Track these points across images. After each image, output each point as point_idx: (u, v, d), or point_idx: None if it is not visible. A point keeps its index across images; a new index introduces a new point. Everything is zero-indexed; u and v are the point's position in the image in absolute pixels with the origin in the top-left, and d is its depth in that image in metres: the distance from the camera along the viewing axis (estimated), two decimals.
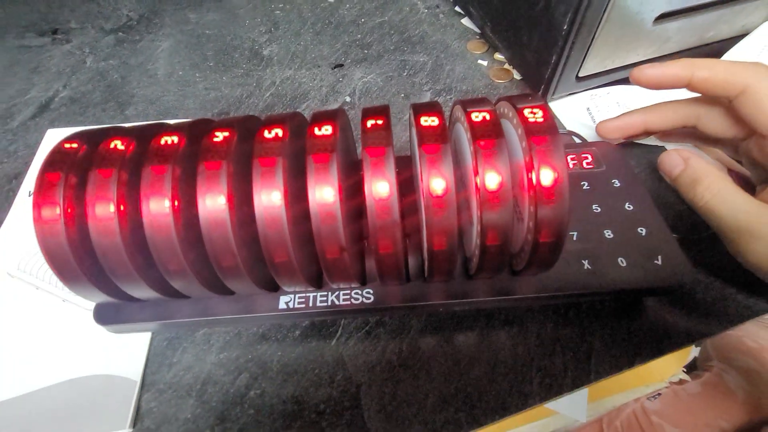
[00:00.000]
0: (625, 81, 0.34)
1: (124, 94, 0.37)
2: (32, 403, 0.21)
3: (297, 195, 0.17)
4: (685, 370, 0.39)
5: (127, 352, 0.22)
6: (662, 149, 0.30)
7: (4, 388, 0.21)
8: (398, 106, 0.35)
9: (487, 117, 0.18)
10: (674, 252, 0.21)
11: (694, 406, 0.43)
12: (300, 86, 0.37)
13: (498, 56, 0.38)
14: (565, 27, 0.27)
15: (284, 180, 0.17)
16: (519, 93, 0.19)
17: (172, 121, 0.23)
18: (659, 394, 0.44)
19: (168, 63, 0.40)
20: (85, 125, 0.35)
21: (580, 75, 0.31)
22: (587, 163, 0.25)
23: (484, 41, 0.39)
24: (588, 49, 0.29)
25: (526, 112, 0.18)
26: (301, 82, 0.37)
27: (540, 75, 0.31)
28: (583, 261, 0.21)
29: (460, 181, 0.19)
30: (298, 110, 0.24)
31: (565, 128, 0.32)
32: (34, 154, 0.32)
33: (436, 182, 0.17)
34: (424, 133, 0.17)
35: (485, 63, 0.38)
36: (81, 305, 0.24)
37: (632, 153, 0.30)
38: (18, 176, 0.31)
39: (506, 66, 0.37)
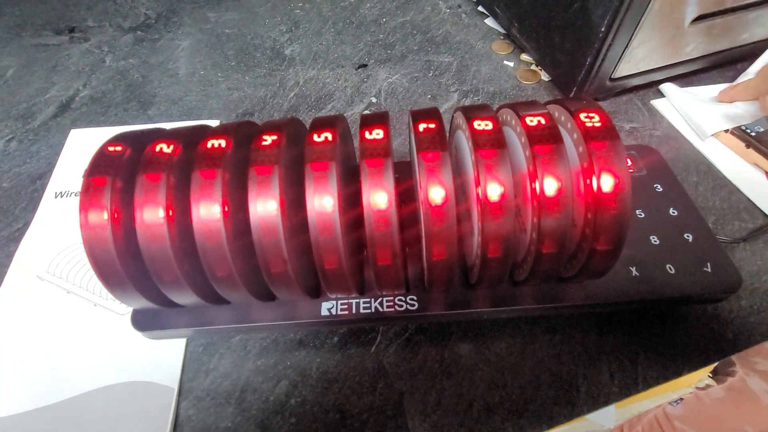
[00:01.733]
0: (655, 84, 0.33)
1: (146, 94, 0.37)
2: (69, 411, 0.20)
3: (347, 200, 0.17)
4: (711, 375, 0.39)
5: (162, 357, 0.22)
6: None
7: (40, 395, 0.21)
8: (426, 107, 0.35)
9: (543, 121, 0.17)
10: (723, 259, 0.21)
11: (718, 412, 0.43)
12: (324, 86, 0.37)
13: (525, 57, 0.37)
14: (602, 29, 0.27)
15: (337, 185, 0.16)
16: (566, 97, 0.19)
17: (199, 122, 0.22)
18: (681, 399, 0.44)
19: (189, 62, 0.40)
20: (108, 125, 0.34)
21: (614, 77, 0.30)
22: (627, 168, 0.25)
23: (510, 42, 0.39)
24: (624, 52, 0.28)
25: (582, 116, 0.17)
26: (325, 82, 0.37)
27: (572, 77, 0.31)
28: (630, 268, 0.21)
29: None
30: (340, 113, 0.23)
31: None
32: (57, 154, 0.32)
33: (492, 188, 0.16)
34: (478, 138, 0.17)
35: (511, 64, 0.37)
36: (113, 310, 0.24)
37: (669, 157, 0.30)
38: (42, 177, 0.31)
39: (533, 67, 0.36)
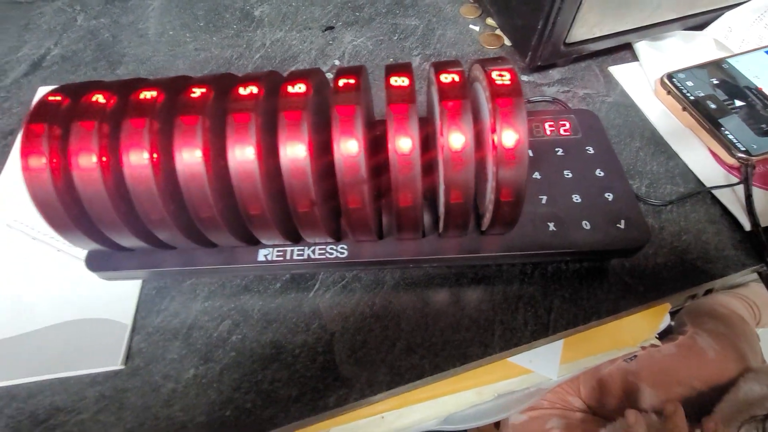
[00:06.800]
0: (616, 50, 0.34)
1: (115, 54, 0.37)
2: (32, 341, 0.22)
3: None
4: (657, 336, 0.41)
5: (119, 298, 0.24)
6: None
7: (5, 328, 0.23)
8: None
9: (456, 79, 0.18)
10: (637, 217, 0.22)
11: (668, 366, 0.45)
12: (290, 49, 0.37)
13: (490, 21, 0.37)
14: None
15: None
16: (489, 58, 0.20)
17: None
18: (635, 356, 0.46)
19: (158, 22, 0.40)
20: None
21: (568, 41, 0.31)
22: (564, 130, 0.26)
23: (478, 5, 0.38)
24: (575, 16, 0.28)
25: (495, 74, 0.18)
26: (291, 44, 0.37)
27: (527, 42, 0.31)
28: (548, 223, 0.22)
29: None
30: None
31: (549, 97, 0.32)
32: (28, 111, 0.33)
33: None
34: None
35: (477, 28, 0.37)
36: (75, 255, 0.25)
37: (619, 120, 0.30)
38: (13, 132, 0.32)
39: (497, 32, 0.36)
